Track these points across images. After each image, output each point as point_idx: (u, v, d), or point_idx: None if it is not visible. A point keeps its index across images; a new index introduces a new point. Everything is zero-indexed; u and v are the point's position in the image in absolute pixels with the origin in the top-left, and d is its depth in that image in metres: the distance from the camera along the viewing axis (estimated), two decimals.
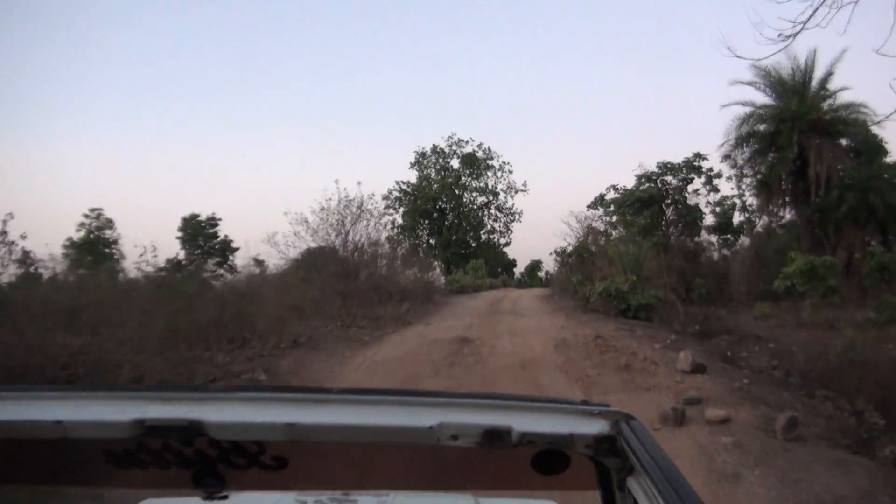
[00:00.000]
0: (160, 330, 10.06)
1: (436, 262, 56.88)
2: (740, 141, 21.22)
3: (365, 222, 17.16)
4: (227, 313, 12.13)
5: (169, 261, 19.45)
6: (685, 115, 73.53)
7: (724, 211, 20.23)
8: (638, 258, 15.69)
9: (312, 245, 18.60)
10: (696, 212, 20.75)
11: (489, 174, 57.70)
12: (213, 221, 40.29)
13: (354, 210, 17.24)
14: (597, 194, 54.00)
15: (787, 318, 15.59)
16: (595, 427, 1.34)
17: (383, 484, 1.92)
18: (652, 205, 19.99)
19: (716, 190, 20.30)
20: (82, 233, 33.37)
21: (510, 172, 57.36)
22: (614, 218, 55.22)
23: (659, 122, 74.44)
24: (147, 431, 1.26)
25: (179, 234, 39.80)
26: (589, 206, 51.42)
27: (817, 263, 16.80)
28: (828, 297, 16.40)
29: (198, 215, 40.33)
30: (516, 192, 57.51)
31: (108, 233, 35.04)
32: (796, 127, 20.05)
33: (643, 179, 20.96)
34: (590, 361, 10.93)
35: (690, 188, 21.41)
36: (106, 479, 1.58)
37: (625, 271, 15.41)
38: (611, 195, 27.07)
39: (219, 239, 39.84)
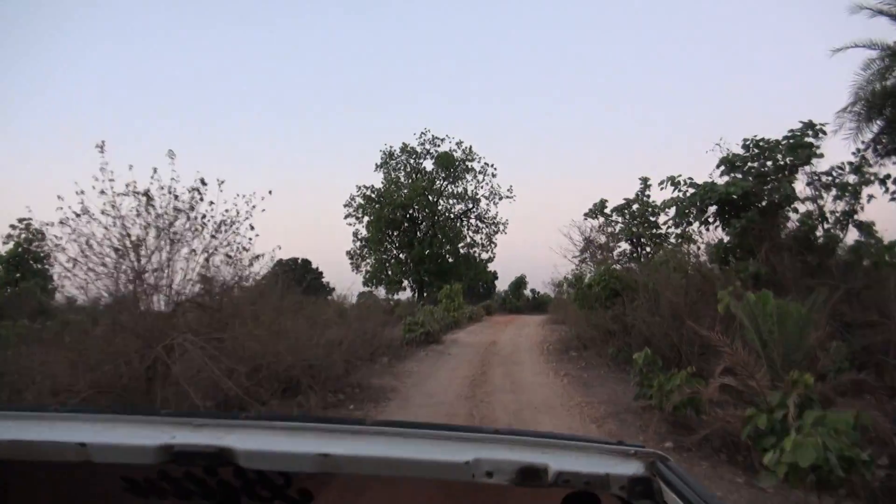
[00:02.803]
0: None
1: (406, 282, 49.35)
2: (872, 103, 12.87)
3: (212, 240, 8.14)
4: None
5: None
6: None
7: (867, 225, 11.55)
8: (802, 327, 7.11)
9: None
10: (823, 222, 12.04)
11: (468, 178, 49.67)
12: None
13: (178, 219, 7.94)
14: (597, 200, 44.90)
15: None
16: (631, 468, 1.33)
17: None
18: (746, 209, 11.26)
19: (855, 193, 11.56)
20: (10, 245, 29.02)
21: (493, 176, 49.14)
22: (631, 228, 45.17)
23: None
24: (174, 458, 1.24)
25: None
26: (587, 216, 44.07)
27: None
28: None
29: None
30: (500, 198, 49.17)
31: (37, 245, 29.77)
32: None
33: (727, 165, 12.23)
34: None
35: (799, 185, 12.70)
36: None
37: (770, 358, 6.91)
38: (654, 195, 18.68)
39: None
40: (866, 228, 12.22)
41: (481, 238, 49.96)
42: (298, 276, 54.10)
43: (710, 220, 12.98)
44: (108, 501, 1.53)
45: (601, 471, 1.29)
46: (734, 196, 12.17)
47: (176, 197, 8.28)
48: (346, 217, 49.07)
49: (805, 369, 6.63)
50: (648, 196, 42.34)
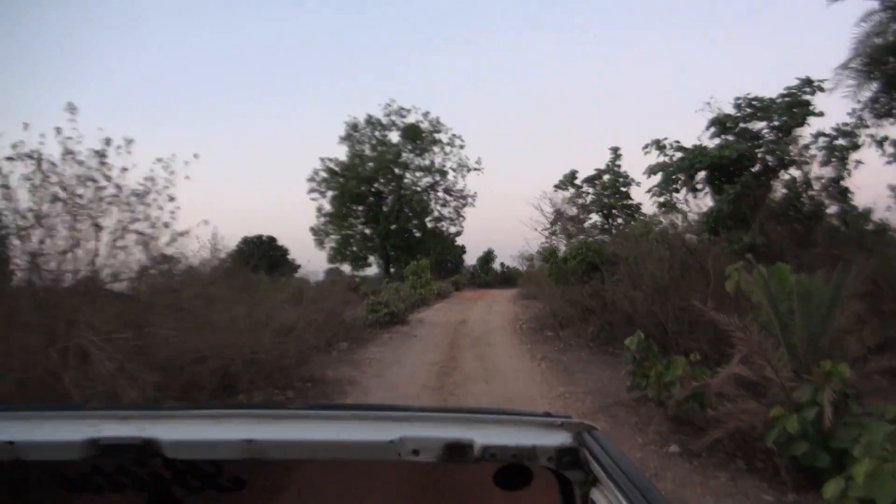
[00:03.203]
0: None
1: (371, 258, 47.85)
2: (872, 59, 11.83)
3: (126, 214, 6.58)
4: None
5: None
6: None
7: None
8: (829, 307, 5.92)
9: None
10: (807, 189, 10.95)
11: (436, 150, 48.00)
12: None
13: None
14: (567, 172, 43.87)
15: None
16: (557, 439, 1.33)
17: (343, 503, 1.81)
18: (739, 173, 10.16)
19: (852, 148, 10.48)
20: None
21: (461, 148, 47.62)
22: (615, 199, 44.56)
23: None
24: (101, 451, 1.23)
25: None
26: (557, 187, 42.93)
27: None
28: None
29: None
30: (468, 171, 47.71)
31: None
32: None
33: (718, 127, 11.06)
34: None
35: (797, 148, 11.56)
36: None
37: (790, 343, 5.75)
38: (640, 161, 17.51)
39: None
40: (841, 196, 11.21)
41: (449, 211, 48.62)
42: (263, 253, 52.38)
43: (699, 186, 11.86)
44: (44, 499, 1.49)
45: (528, 443, 1.29)
46: (727, 160, 11.03)
47: (80, 163, 6.80)
48: (309, 192, 47.28)
49: (835, 358, 5.50)
50: (619, 166, 41.22)
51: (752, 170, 11.07)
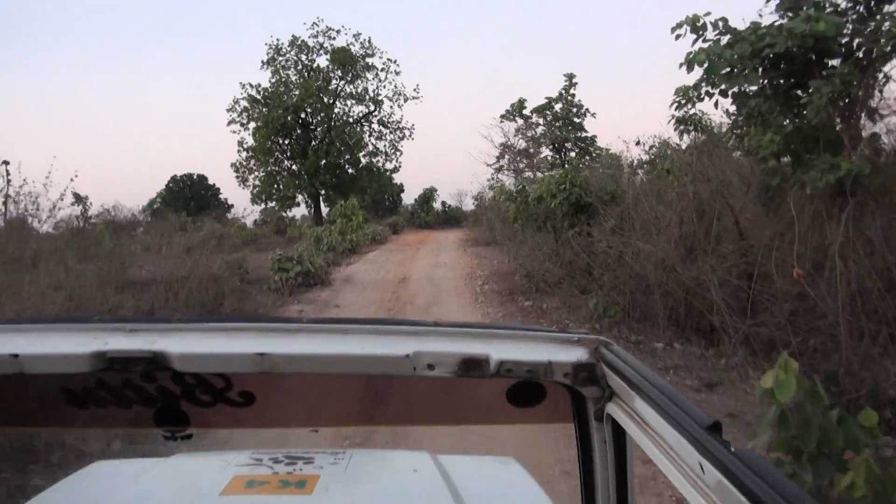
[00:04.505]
0: None
1: (300, 198, 43.05)
2: None
3: None
4: None
5: None
6: None
7: None
8: None
9: None
10: None
11: (369, 76, 43.04)
12: None
13: None
14: (514, 100, 39.15)
15: None
16: (574, 355, 1.30)
17: (356, 420, 1.85)
18: (819, 67, 6.17)
19: None
20: None
21: (397, 74, 42.75)
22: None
23: None
24: (108, 364, 1.20)
25: None
26: (503, 117, 38.72)
27: None
28: None
29: None
30: (406, 100, 42.95)
31: None
32: None
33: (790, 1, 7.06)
34: None
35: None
36: (66, 419, 1.52)
37: None
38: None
39: None
40: None
41: (385, 145, 43.91)
42: (194, 193, 46.65)
43: (752, 89, 7.87)
44: (48, 413, 1.49)
45: (544, 358, 1.27)
46: (813, 43, 7.06)
47: None
48: (229, 124, 41.79)
49: None
50: (573, 95, 37.06)
51: (855, 57, 7.14)
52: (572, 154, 36.87)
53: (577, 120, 37.37)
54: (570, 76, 38.25)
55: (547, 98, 37.52)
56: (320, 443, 4.70)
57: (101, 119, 59.92)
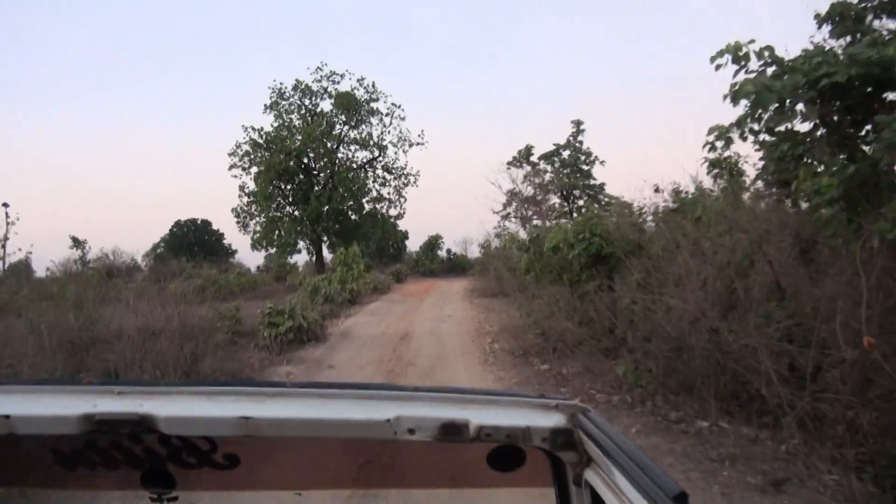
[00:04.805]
0: None
1: (302, 244, 42.09)
2: None
3: None
4: None
5: None
6: None
7: None
8: None
9: None
10: None
11: (373, 121, 42.55)
12: None
13: None
14: (521, 147, 38.27)
15: None
16: (552, 420, 1.31)
17: (338, 483, 1.83)
18: (878, 99, 5.16)
19: None
20: None
21: (402, 119, 42.32)
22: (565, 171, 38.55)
23: None
24: (96, 427, 1.21)
25: None
26: (511, 164, 38.00)
27: None
28: None
29: None
30: (411, 145, 42.35)
31: None
32: None
33: (839, 23, 6.09)
34: None
35: None
36: (55, 480, 1.51)
37: None
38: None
39: None
40: None
41: (389, 192, 43.13)
42: (197, 238, 45.84)
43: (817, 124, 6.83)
44: (38, 474, 1.48)
45: (522, 423, 1.28)
46: (879, 72, 6.06)
47: None
48: (230, 168, 41.19)
49: None
50: (581, 142, 36.32)
51: None
52: (580, 202, 36.13)
53: (584, 167, 36.84)
54: (578, 122, 37.83)
55: (555, 144, 37.06)
56: None
57: (105, 163, 59.61)
